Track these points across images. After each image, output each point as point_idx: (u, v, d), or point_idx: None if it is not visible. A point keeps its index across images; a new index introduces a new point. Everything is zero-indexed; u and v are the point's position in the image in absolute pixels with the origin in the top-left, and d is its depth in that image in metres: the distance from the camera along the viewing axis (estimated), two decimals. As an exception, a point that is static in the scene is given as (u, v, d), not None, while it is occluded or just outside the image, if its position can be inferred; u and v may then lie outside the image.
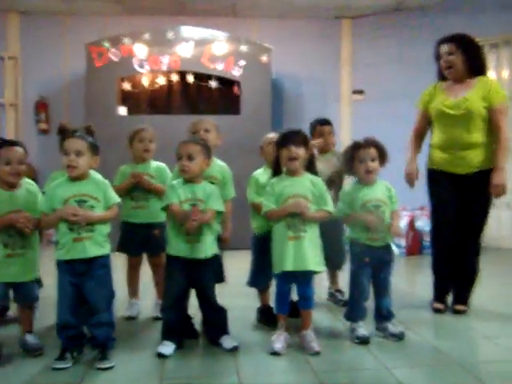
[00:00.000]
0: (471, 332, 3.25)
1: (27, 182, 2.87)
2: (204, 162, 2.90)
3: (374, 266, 3.06)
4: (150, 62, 6.41)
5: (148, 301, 3.57)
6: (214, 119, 3.49)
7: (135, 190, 3.45)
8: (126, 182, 3.44)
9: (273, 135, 3.30)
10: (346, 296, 3.25)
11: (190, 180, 2.89)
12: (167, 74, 6.71)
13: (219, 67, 6.44)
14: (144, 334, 3.21)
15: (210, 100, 6.84)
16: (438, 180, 3.60)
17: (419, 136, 3.72)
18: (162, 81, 6.74)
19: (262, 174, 3.28)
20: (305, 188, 2.91)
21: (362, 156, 3.03)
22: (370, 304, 3.14)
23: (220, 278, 3.16)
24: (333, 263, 3.57)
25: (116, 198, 2.81)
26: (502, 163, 3.41)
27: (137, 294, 3.60)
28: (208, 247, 2.87)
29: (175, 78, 6.74)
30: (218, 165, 3.30)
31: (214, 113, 6.21)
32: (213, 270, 2.95)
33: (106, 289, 2.74)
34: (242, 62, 6.43)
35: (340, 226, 3.52)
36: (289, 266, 2.83)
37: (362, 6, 6.90)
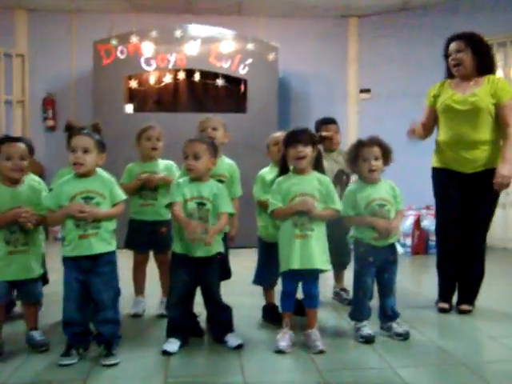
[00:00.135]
0: (476, 332, 3.25)
1: (31, 179, 2.88)
2: (210, 160, 2.91)
3: (378, 265, 3.06)
4: (157, 59, 6.42)
5: (154, 299, 3.58)
6: (221, 117, 3.49)
7: (143, 188, 3.46)
8: (133, 183, 3.45)
9: (279, 134, 3.30)
10: (351, 295, 3.25)
11: (196, 178, 2.90)
12: (174, 72, 6.71)
13: (226, 65, 6.45)
14: (149, 331, 3.22)
15: (216, 98, 6.84)
16: (444, 179, 3.59)
17: (425, 129, 3.70)
18: (168, 79, 6.75)
19: (268, 172, 3.28)
20: (312, 186, 2.91)
21: (366, 154, 3.03)
22: (374, 303, 3.14)
23: (226, 275, 3.17)
24: (338, 262, 3.57)
25: (122, 195, 2.82)
26: (510, 155, 3.38)
27: (142, 292, 3.61)
28: (213, 245, 2.87)
29: (182, 76, 6.75)
30: (227, 163, 3.30)
31: (221, 111, 6.21)
32: (218, 268, 2.96)
33: (112, 286, 2.75)
34: (249, 61, 6.42)
35: (345, 224, 3.52)
36: (295, 264, 2.83)
37: (369, 4, 6.88)
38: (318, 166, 3.01)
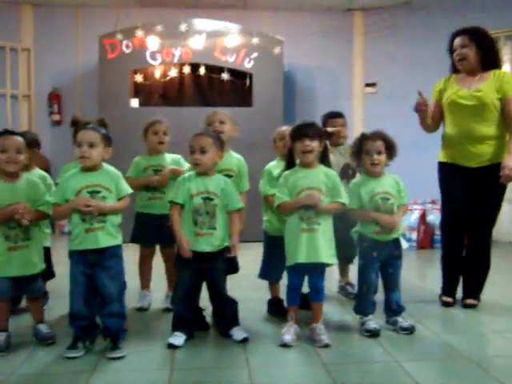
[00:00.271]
0: (481, 326, 3.25)
1: (37, 174, 2.88)
2: (217, 154, 2.91)
3: (382, 260, 3.07)
4: (162, 54, 6.42)
5: (159, 293, 3.59)
6: (226, 111, 3.49)
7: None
8: (142, 180, 3.46)
9: (285, 128, 3.30)
10: (356, 289, 3.26)
11: (202, 173, 2.90)
12: (179, 66, 6.71)
13: (231, 59, 6.44)
14: (155, 325, 3.24)
15: (221, 92, 6.84)
16: (450, 173, 3.59)
17: (432, 122, 3.67)
18: (174, 73, 6.75)
19: (275, 166, 3.28)
20: (318, 180, 2.91)
21: (369, 148, 3.03)
22: (379, 297, 3.15)
23: (233, 269, 3.18)
24: (344, 256, 3.57)
25: (128, 189, 2.83)
26: None
27: (148, 286, 3.62)
28: (218, 240, 2.88)
29: (187, 70, 6.74)
30: (235, 157, 3.31)
31: (226, 105, 6.20)
32: (224, 263, 2.96)
33: (118, 279, 2.77)
34: (254, 55, 6.42)
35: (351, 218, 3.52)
36: (302, 258, 2.83)
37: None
38: (324, 160, 3.01)
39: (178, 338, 2.83)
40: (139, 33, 6.37)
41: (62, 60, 7.08)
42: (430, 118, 3.63)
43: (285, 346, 2.80)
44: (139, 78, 6.65)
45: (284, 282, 3.11)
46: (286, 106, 6.52)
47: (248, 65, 6.44)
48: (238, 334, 2.91)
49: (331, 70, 7.26)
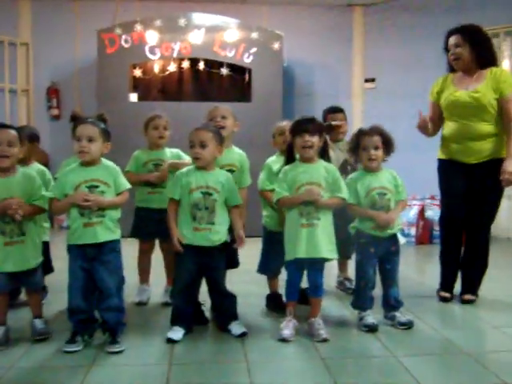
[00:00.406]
0: (479, 322, 3.25)
1: (33, 168, 2.86)
2: (217, 149, 2.91)
3: (380, 256, 3.07)
4: (161, 48, 6.40)
5: (158, 287, 3.59)
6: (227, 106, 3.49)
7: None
8: (142, 176, 3.46)
9: (284, 124, 3.29)
10: (354, 284, 3.26)
11: (202, 167, 2.90)
12: (178, 60, 6.70)
13: (230, 54, 6.43)
14: (154, 319, 3.24)
15: (220, 87, 6.83)
16: (449, 169, 3.59)
17: (432, 125, 3.68)
18: (173, 68, 6.74)
19: (275, 161, 3.27)
20: (318, 175, 2.91)
21: (366, 143, 3.03)
22: (378, 292, 3.15)
23: (233, 264, 3.18)
24: (342, 251, 3.57)
25: (126, 184, 2.82)
26: None
27: (147, 280, 3.63)
28: (218, 235, 2.88)
29: (186, 64, 6.73)
30: (237, 152, 3.31)
31: (225, 100, 6.19)
32: (223, 258, 2.97)
33: (116, 274, 2.77)
34: (253, 49, 6.40)
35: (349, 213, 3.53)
36: (302, 253, 2.84)
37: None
38: (323, 155, 3.01)
39: (177, 333, 2.83)
40: (138, 27, 6.35)
41: (60, 54, 7.07)
42: (429, 120, 3.63)
43: (283, 340, 2.81)
44: (138, 72, 6.64)
45: (283, 276, 3.11)
46: (285, 101, 6.52)
47: (247, 60, 6.43)
48: (236, 328, 2.92)
49: (331, 66, 7.26)
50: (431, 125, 3.63)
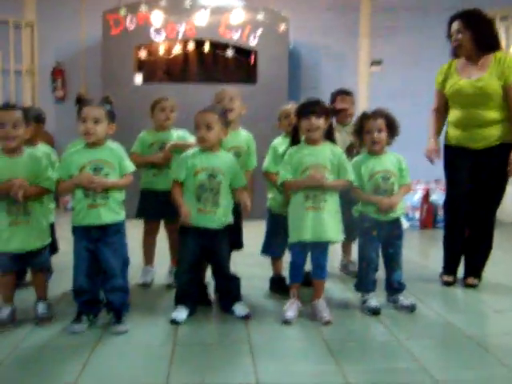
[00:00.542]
0: (482, 305, 3.26)
1: (39, 149, 2.86)
2: (222, 131, 2.90)
3: (382, 240, 3.07)
4: (166, 30, 6.36)
5: (162, 269, 3.61)
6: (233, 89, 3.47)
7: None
8: (147, 158, 3.46)
9: (290, 106, 3.28)
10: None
11: (207, 149, 2.90)
12: (184, 42, 6.66)
13: (236, 36, 6.38)
14: (158, 300, 3.26)
15: (226, 69, 6.79)
16: (455, 155, 3.56)
17: (439, 115, 3.67)
18: (178, 49, 6.70)
19: (280, 143, 3.26)
20: (324, 157, 2.90)
21: (370, 126, 3.01)
22: (381, 275, 3.16)
23: (237, 245, 3.19)
24: (346, 234, 3.58)
25: (131, 166, 2.82)
26: None
27: (152, 262, 3.64)
28: (222, 217, 2.89)
29: (192, 46, 6.69)
30: (244, 134, 3.31)
31: (231, 82, 6.17)
32: (227, 240, 2.97)
33: (121, 255, 2.78)
34: (259, 31, 6.36)
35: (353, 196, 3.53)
36: (307, 235, 2.84)
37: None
38: (329, 137, 2.99)
39: (181, 313, 2.85)
40: (143, 8, 6.31)
41: (65, 35, 7.03)
42: (435, 111, 3.62)
43: (286, 322, 2.83)
44: (143, 54, 6.60)
45: (287, 259, 3.12)
46: (290, 83, 6.48)
47: (253, 41, 6.39)
48: (239, 310, 2.94)
49: (337, 48, 7.20)
50: (438, 115, 3.64)
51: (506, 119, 3.41)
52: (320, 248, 2.94)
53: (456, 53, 3.54)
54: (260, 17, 6.35)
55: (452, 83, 3.51)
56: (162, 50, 6.68)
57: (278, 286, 3.36)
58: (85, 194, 2.68)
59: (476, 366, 2.38)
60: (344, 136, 3.69)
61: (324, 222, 2.85)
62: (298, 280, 3.00)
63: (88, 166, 2.68)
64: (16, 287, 2.92)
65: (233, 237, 3.05)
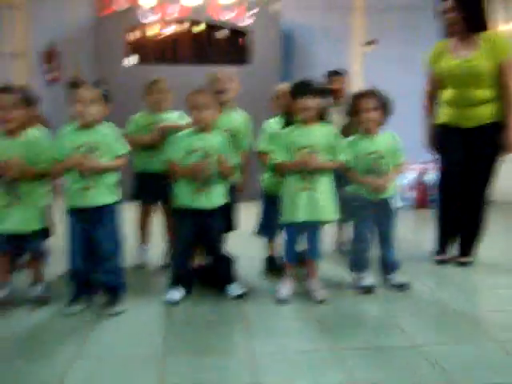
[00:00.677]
0: (475, 283, 3.29)
1: (36, 132, 2.84)
2: (215, 111, 2.90)
3: (374, 219, 3.08)
4: (158, 10, 6.30)
5: (157, 250, 3.62)
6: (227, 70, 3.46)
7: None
8: (138, 138, 3.44)
9: (284, 86, 3.27)
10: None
11: (200, 130, 2.89)
12: (176, 23, 6.60)
13: (229, 17, 6.33)
14: (153, 281, 3.28)
15: (219, 50, 6.74)
16: (447, 134, 3.57)
17: (432, 98, 3.67)
18: (170, 30, 6.64)
19: (274, 123, 3.26)
20: (318, 138, 2.90)
21: (362, 106, 3.00)
22: (374, 254, 3.18)
23: (232, 226, 3.20)
24: (340, 214, 3.60)
25: (125, 148, 2.81)
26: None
27: (147, 243, 3.65)
28: (216, 198, 2.89)
29: (184, 27, 6.63)
30: (240, 115, 3.31)
31: (224, 63, 6.13)
32: (221, 220, 2.98)
33: (114, 236, 2.79)
34: (252, 12, 6.30)
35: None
36: (301, 216, 2.85)
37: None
38: (323, 117, 2.99)
39: (176, 294, 2.88)
40: (134, -12, 6.23)
41: (57, 17, 6.94)
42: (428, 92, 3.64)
43: (281, 301, 2.85)
44: (135, 35, 6.54)
45: (281, 240, 3.14)
46: (284, 63, 6.45)
47: (246, 22, 6.33)
48: (234, 289, 2.96)
49: (331, 28, 7.14)
50: (431, 101, 3.66)
51: (498, 98, 3.41)
52: (314, 228, 2.95)
53: (447, 32, 3.52)
54: (253, -3, 6.29)
55: (443, 63, 3.51)
56: (153, 31, 6.61)
57: (273, 266, 3.38)
58: (77, 176, 2.67)
59: (468, 342, 2.41)
60: (337, 117, 3.69)
61: (318, 202, 2.86)
62: (292, 259, 3.01)
63: (81, 148, 2.67)
64: (14, 269, 2.93)
65: (227, 218, 3.06)
